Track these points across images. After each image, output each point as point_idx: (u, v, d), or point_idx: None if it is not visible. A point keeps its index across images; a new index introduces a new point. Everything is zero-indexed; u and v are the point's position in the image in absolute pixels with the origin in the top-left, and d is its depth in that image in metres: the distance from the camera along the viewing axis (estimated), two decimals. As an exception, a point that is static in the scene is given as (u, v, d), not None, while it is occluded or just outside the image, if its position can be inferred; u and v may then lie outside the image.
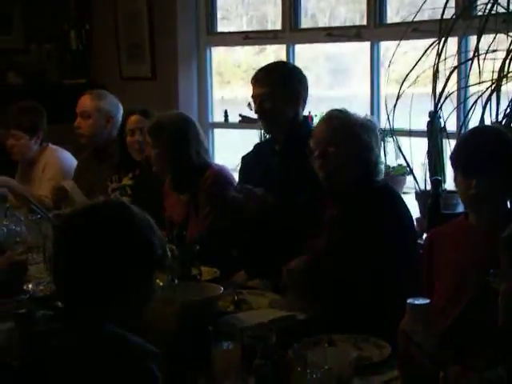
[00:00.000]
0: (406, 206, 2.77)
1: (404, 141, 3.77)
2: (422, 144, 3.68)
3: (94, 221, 1.76)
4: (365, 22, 4.40)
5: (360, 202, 2.67)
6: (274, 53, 4.99)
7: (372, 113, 4.36)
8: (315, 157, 2.74)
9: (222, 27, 5.25)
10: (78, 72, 6.04)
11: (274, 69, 3.27)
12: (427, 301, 1.95)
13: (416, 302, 1.93)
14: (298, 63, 4.74)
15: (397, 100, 3.51)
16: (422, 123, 3.69)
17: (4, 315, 2.44)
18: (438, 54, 3.34)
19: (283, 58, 4.76)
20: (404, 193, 4.03)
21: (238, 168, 3.55)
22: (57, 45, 5.94)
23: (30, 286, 2.82)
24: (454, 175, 2.41)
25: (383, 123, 3.67)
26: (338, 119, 2.77)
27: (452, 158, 2.42)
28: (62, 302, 1.83)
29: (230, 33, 5.19)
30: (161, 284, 2.27)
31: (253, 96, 3.25)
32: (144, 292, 1.79)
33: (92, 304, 1.72)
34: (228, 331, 2.19)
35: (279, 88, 3.17)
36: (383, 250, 2.55)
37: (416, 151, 3.67)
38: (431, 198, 3.41)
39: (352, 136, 2.71)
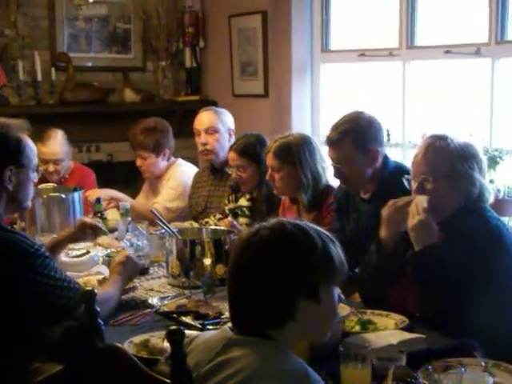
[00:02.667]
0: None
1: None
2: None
3: (281, 244, 1.77)
4: (485, 40, 4.30)
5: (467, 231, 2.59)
6: (388, 70, 4.94)
7: (491, 134, 4.27)
8: (414, 190, 2.69)
9: (335, 45, 5.25)
10: (191, 89, 6.17)
11: (347, 131, 3.06)
12: None
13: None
14: (413, 81, 4.71)
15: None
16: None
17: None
18: None
19: (399, 75, 4.72)
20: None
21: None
22: (172, 63, 6.08)
23: (155, 300, 2.85)
24: None
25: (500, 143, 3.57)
26: (435, 150, 2.65)
27: None
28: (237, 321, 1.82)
29: (344, 50, 5.17)
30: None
31: (329, 156, 3.17)
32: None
33: (266, 327, 1.73)
34: (356, 352, 2.16)
35: (354, 151, 3.05)
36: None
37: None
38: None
39: (450, 169, 2.63)
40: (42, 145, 4.26)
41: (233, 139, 4.22)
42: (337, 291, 1.83)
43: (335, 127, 3.10)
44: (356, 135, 3.04)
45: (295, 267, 1.73)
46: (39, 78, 5.53)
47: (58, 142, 4.43)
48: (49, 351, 2.59)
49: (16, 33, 5.54)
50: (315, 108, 5.29)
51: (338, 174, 3.14)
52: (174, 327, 1.53)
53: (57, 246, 3.13)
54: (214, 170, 4.31)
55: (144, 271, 3.23)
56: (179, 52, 6.11)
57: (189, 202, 4.39)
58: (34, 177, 2.59)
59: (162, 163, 4.49)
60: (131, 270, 2.90)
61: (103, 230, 3.25)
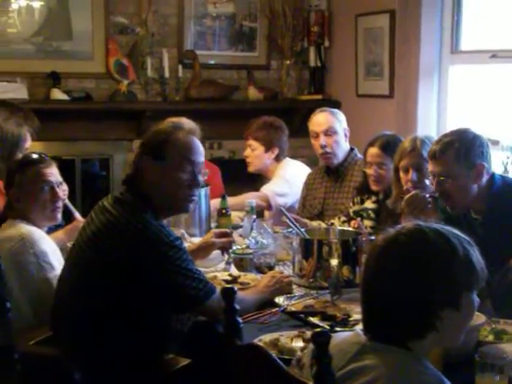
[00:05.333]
0: None
1: None
2: None
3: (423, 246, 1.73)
4: None
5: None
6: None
7: None
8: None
9: (465, 45, 5.11)
10: (314, 88, 6.15)
11: (450, 142, 2.91)
12: None
13: None
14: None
15: None
16: None
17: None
18: None
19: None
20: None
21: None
22: (296, 61, 6.08)
23: (281, 299, 2.85)
24: None
25: None
26: None
27: None
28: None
29: (475, 51, 5.03)
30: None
31: (430, 172, 3.02)
32: None
33: (405, 337, 1.70)
34: (493, 362, 2.09)
35: (457, 164, 2.89)
36: None
37: None
38: None
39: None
40: None
41: (347, 139, 4.21)
42: (476, 297, 1.77)
43: (437, 141, 2.99)
44: (459, 147, 2.89)
45: (437, 276, 1.69)
46: (166, 74, 5.64)
47: None
48: (177, 345, 2.64)
49: (146, 30, 5.67)
50: (442, 110, 5.17)
51: (440, 190, 2.96)
52: (320, 329, 1.51)
53: None
54: (329, 171, 4.28)
55: (269, 269, 3.23)
56: (304, 51, 6.10)
57: (301, 203, 4.37)
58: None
59: (269, 160, 4.54)
60: (275, 293, 2.88)
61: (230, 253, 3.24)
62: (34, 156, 3.07)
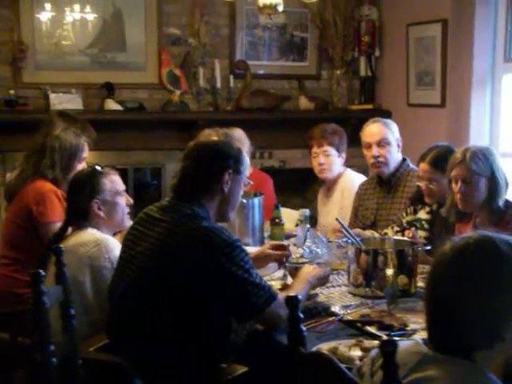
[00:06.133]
0: None
1: None
2: None
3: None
4: None
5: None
6: None
7: None
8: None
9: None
10: (364, 98, 6.15)
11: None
12: None
13: None
14: None
15: None
16: None
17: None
18: None
19: None
20: None
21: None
22: (346, 71, 6.09)
23: (337, 308, 2.86)
24: None
25: None
26: None
27: None
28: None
29: (529, 60, 4.99)
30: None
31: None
32: None
33: (473, 349, 1.68)
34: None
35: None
36: None
37: None
38: None
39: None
40: None
41: (400, 150, 4.19)
42: None
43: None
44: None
45: (509, 289, 1.68)
46: (218, 84, 5.69)
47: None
48: (233, 354, 2.66)
49: (198, 41, 5.73)
50: (494, 120, 5.12)
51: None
52: (387, 338, 1.51)
53: None
54: (381, 182, 4.26)
55: (324, 279, 3.24)
56: (354, 60, 6.11)
57: (353, 213, 4.35)
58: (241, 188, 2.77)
59: (339, 166, 4.52)
60: (318, 282, 2.95)
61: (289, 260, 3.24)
62: (101, 166, 3.15)
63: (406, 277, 3.02)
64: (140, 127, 5.66)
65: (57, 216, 3.45)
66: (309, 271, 2.93)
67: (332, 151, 4.44)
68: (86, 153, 3.73)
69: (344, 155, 4.50)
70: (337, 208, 4.46)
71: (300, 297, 2.71)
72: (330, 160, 4.45)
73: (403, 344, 1.86)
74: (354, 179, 4.51)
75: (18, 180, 3.67)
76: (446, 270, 1.72)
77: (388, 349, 1.44)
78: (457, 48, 5.13)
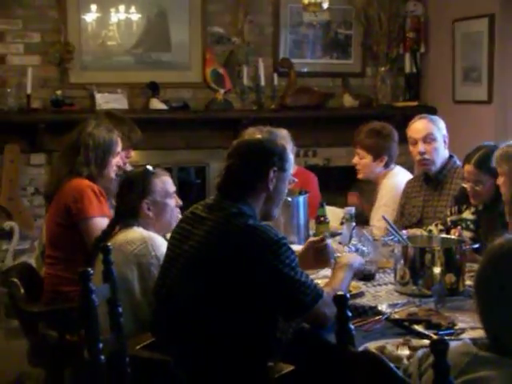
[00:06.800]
0: None
1: None
2: None
3: None
4: None
5: None
6: None
7: None
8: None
9: None
10: (409, 95, 6.10)
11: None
12: None
13: None
14: None
15: None
16: None
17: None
18: None
19: None
20: None
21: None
22: (391, 68, 6.04)
23: (384, 307, 2.84)
24: None
25: None
26: None
27: None
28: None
29: None
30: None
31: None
32: None
33: None
34: None
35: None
36: None
37: None
38: None
39: None
40: None
41: (446, 146, 4.13)
42: None
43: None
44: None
45: None
46: (262, 83, 5.69)
47: None
48: (278, 353, 2.65)
49: (242, 40, 5.74)
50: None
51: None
52: (437, 337, 1.49)
53: None
54: (428, 179, 4.21)
55: (370, 277, 3.21)
56: (399, 57, 6.06)
57: (399, 211, 4.31)
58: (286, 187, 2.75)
59: (378, 168, 4.45)
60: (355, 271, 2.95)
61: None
62: (153, 167, 3.16)
63: (454, 275, 2.98)
64: (184, 126, 5.68)
65: (95, 211, 3.47)
66: (349, 257, 2.94)
67: (365, 154, 4.39)
68: (119, 147, 3.72)
69: (385, 158, 4.40)
70: (377, 208, 4.42)
71: (344, 285, 2.74)
72: (364, 162, 4.42)
73: (452, 345, 1.84)
74: (397, 179, 4.46)
75: (53, 180, 3.69)
76: (496, 268, 1.70)
77: (439, 347, 1.42)
78: (504, 43, 5.07)
